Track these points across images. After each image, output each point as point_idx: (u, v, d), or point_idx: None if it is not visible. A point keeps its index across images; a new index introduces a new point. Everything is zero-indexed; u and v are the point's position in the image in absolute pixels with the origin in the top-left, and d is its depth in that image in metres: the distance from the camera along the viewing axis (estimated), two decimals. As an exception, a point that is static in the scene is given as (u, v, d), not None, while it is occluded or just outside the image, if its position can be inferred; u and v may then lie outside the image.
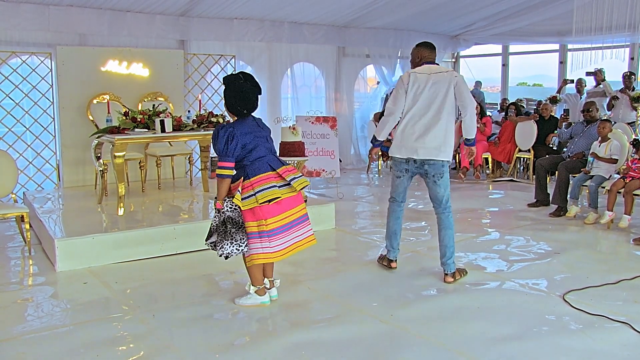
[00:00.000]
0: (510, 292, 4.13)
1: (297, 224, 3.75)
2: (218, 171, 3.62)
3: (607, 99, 8.98)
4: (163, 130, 5.65)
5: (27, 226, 5.05)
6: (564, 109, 9.58)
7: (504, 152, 8.92)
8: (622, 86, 8.56)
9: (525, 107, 10.17)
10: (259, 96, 3.75)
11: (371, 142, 4.56)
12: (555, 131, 8.47)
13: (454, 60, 12.61)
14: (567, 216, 6.27)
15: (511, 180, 8.69)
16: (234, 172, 3.65)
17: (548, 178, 7.05)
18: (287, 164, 3.82)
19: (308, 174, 7.55)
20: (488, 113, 10.02)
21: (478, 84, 11.99)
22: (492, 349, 3.22)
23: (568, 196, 6.38)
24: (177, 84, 7.69)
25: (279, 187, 3.65)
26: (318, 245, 4.94)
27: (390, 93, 4.53)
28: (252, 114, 3.78)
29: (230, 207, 3.65)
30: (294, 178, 3.71)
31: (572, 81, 10.01)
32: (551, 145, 8.57)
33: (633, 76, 8.60)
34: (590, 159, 6.16)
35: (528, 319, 3.62)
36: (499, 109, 10.82)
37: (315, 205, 5.91)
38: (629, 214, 5.65)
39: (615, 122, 7.76)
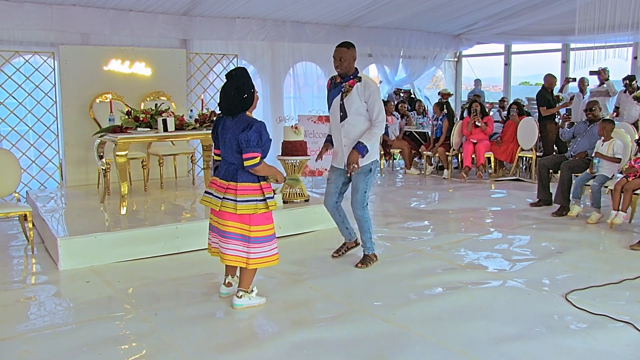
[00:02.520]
0: (513, 291, 4.12)
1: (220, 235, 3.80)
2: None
3: (611, 99, 8.96)
4: (165, 130, 5.66)
5: (30, 225, 5.06)
6: (567, 109, 9.56)
7: (506, 151, 8.91)
8: (623, 88, 8.55)
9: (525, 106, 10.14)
10: (245, 96, 3.60)
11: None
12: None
13: (456, 59, 12.61)
14: (570, 216, 6.26)
15: (516, 180, 8.67)
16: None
17: (551, 176, 7.02)
18: (226, 181, 3.72)
19: (310, 173, 7.55)
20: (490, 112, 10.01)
21: (478, 82, 11.97)
22: (494, 349, 3.21)
23: (570, 196, 6.37)
24: (179, 83, 7.70)
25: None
26: (320, 244, 4.93)
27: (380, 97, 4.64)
28: (246, 108, 3.67)
29: None
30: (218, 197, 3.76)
31: (574, 79, 10.00)
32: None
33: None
34: (595, 160, 6.14)
35: (530, 319, 3.61)
36: (498, 107, 10.81)
37: (317, 205, 5.91)
38: (625, 211, 5.65)
39: (619, 121, 7.75)
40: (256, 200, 3.67)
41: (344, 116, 4.41)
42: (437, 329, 3.47)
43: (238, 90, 3.62)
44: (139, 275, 4.49)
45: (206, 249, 5.14)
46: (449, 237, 5.57)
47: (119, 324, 3.61)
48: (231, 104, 3.64)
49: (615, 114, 8.64)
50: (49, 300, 4.04)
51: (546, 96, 8.51)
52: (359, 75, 4.44)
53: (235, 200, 3.64)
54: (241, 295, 3.79)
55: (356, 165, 4.34)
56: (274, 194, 3.80)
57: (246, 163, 3.58)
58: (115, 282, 4.33)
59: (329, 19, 9.39)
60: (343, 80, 4.42)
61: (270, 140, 3.70)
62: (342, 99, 4.40)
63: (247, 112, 3.74)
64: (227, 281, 4.01)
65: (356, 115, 4.39)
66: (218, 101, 3.77)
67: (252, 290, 3.85)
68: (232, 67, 8.31)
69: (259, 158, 3.58)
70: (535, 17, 9.85)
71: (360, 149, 4.33)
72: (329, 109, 4.59)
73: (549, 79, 8.69)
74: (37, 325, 3.60)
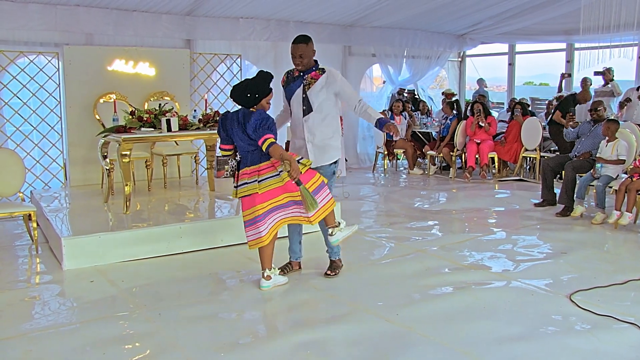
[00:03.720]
0: (517, 292, 4.11)
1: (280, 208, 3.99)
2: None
3: (616, 99, 8.91)
4: (169, 130, 5.67)
5: (35, 225, 5.07)
6: (570, 108, 9.51)
7: (510, 151, 8.89)
8: (639, 85, 8.48)
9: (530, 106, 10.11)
10: (248, 95, 3.86)
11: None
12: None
13: (460, 59, 12.58)
14: (573, 216, 6.24)
15: (519, 180, 8.65)
16: (229, 151, 4.07)
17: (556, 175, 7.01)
18: (256, 165, 3.91)
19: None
20: (494, 113, 9.99)
21: (481, 81, 11.93)
22: (498, 349, 3.21)
23: (575, 196, 6.35)
24: (183, 83, 7.70)
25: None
26: (323, 245, 4.92)
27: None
28: (248, 107, 3.92)
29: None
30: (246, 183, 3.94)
31: (569, 75, 9.97)
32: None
33: None
34: (598, 165, 6.12)
35: (534, 319, 3.60)
36: (507, 107, 10.78)
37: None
38: (630, 211, 5.63)
39: (625, 121, 7.71)
40: (274, 175, 3.87)
41: (307, 110, 4.17)
42: (440, 329, 3.47)
43: (248, 86, 3.90)
44: (142, 275, 4.50)
45: (210, 248, 5.18)
46: (452, 237, 5.56)
47: (123, 323, 3.61)
48: (240, 94, 3.90)
49: (620, 113, 8.61)
50: (53, 300, 4.05)
51: (570, 106, 8.30)
52: (320, 67, 4.20)
53: (279, 173, 3.85)
54: (332, 232, 4.14)
55: (398, 131, 4.29)
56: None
57: (264, 147, 3.78)
58: (119, 282, 4.34)
59: (333, 18, 9.38)
60: (304, 73, 4.18)
61: (273, 120, 3.91)
62: (304, 92, 4.15)
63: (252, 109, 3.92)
64: (266, 274, 4.09)
65: (320, 109, 4.16)
66: (230, 94, 4.01)
67: (340, 223, 4.18)
68: (236, 68, 8.38)
69: (272, 138, 3.79)
70: (540, 17, 9.81)
71: (385, 120, 4.21)
72: (288, 104, 4.32)
73: (584, 94, 8.50)
74: (41, 325, 3.61)
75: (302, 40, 4.13)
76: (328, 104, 4.20)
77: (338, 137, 4.31)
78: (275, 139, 3.83)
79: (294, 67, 4.22)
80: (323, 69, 4.21)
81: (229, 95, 4.00)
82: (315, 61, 4.24)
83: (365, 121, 10.78)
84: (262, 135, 3.77)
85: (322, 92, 4.15)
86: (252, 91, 3.85)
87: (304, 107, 4.19)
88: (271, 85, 3.96)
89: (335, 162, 4.28)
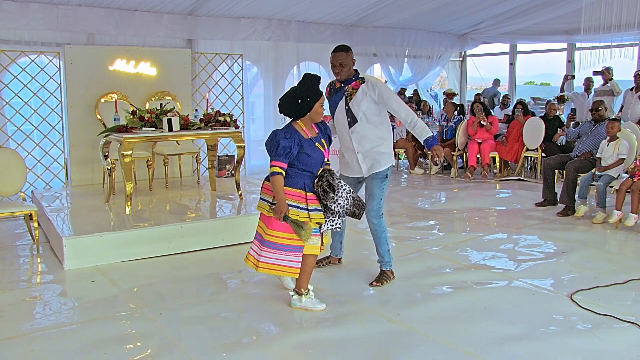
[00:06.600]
0: (518, 291, 4.11)
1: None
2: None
3: (616, 98, 8.91)
4: (170, 129, 5.67)
5: (36, 224, 5.08)
6: (572, 108, 9.53)
7: (511, 151, 8.88)
8: (634, 85, 8.48)
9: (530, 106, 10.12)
10: (299, 101, 3.57)
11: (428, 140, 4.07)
12: (558, 131, 8.46)
13: (461, 59, 12.59)
14: (576, 216, 6.24)
15: (519, 179, 8.65)
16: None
17: (556, 177, 7.01)
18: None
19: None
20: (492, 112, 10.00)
21: (497, 82, 11.96)
22: (499, 349, 3.21)
23: (576, 196, 6.35)
24: (184, 83, 7.71)
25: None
26: (328, 247, 4.97)
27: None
28: (301, 116, 3.65)
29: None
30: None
31: (572, 77, 9.96)
32: (559, 143, 8.54)
33: None
34: (598, 174, 6.11)
35: (535, 319, 3.60)
36: (499, 105, 10.79)
37: (322, 204, 5.90)
38: (636, 212, 5.63)
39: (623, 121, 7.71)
40: (266, 200, 3.67)
41: (352, 121, 4.10)
42: (442, 328, 3.47)
43: (297, 92, 3.60)
44: (144, 275, 4.50)
45: (212, 248, 5.18)
46: (454, 237, 5.56)
47: (124, 323, 3.62)
48: (290, 103, 3.62)
49: (620, 113, 8.61)
50: (54, 300, 4.05)
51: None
52: (360, 76, 4.13)
53: (258, 198, 3.80)
54: (294, 295, 3.79)
55: (441, 156, 4.07)
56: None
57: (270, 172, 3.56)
58: (120, 282, 4.34)
59: (334, 18, 9.38)
60: (345, 84, 4.12)
61: (287, 147, 3.51)
62: (347, 104, 4.09)
63: (299, 121, 3.65)
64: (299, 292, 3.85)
65: (366, 119, 4.09)
66: (279, 109, 3.74)
67: (309, 291, 3.79)
68: (237, 68, 8.37)
69: (275, 168, 3.51)
70: (541, 17, 9.82)
71: (434, 140, 4.05)
72: (332, 117, 4.26)
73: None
74: (42, 324, 3.61)
75: (342, 49, 4.09)
76: (372, 112, 4.10)
77: (386, 143, 4.19)
78: (283, 169, 3.51)
79: (334, 77, 4.18)
80: (363, 78, 4.13)
81: (278, 110, 3.70)
82: (356, 70, 4.17)
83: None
84: (271, 160, 3.52)
85: (363, 102, 4.07)
86: (304, 95, 3.55)
87: (349, 119, 4.12)
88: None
89: (389, 167, 4.20)
